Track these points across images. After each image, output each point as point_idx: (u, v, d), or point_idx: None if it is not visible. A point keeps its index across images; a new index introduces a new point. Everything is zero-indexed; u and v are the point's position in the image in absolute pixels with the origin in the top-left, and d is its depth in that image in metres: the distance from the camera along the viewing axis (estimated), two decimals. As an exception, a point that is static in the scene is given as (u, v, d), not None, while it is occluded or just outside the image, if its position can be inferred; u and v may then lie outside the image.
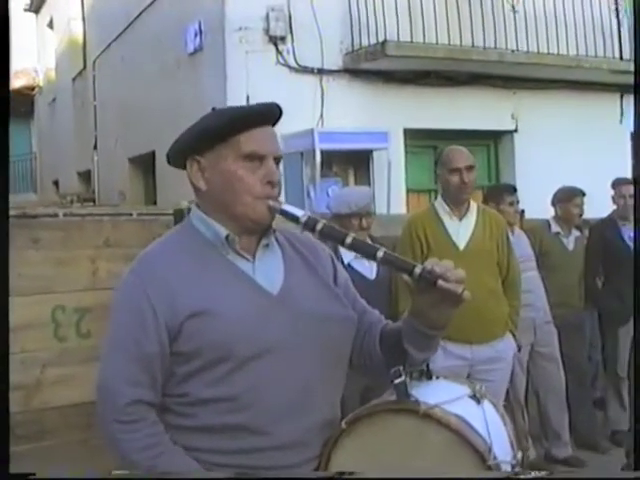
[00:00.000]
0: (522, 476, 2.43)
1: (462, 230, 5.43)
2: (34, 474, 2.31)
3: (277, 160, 2.49)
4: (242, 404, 2.35)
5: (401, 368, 2.38)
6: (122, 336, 2.39)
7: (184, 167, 2.51)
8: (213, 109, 2.53)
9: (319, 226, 2.33)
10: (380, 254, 2.25)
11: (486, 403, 2.49)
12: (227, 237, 2.44)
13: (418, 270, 2.21)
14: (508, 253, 5.64)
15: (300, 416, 2.40)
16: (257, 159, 2.42)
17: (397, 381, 2.36)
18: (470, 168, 5.41)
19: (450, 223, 5.44)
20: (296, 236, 2.66)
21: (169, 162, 2.60)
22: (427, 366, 2.57)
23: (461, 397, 2.46)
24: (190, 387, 2.37)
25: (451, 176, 5.38)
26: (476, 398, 2.47)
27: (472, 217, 5.49)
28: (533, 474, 2.46)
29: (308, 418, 2.42)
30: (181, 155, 2.51)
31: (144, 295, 2.35)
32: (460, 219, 5.45)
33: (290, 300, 2.45)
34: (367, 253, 2.32)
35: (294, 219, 2.37)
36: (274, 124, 2.54)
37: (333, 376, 2.53)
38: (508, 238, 5.74)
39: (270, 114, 2.52)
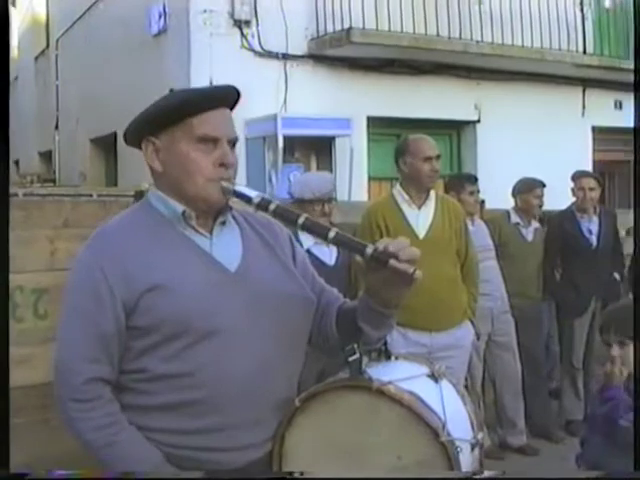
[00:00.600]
0: (477, 476, 2.45)
1: (421, 218, 5.46)
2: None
3: (232, 143, 2.48)
4: (198, 381, 2.35)
5: (355, 346, 2.41)
6: (77, 313, 2.38)
7: (140, 147, 2.50)
8: (171, 90, 2.52)
9: (272, 206, 2.34)
10: (332, 234, 2.26)
11: (444, 383, 2.51)
12: (184, 213, 2.44)
13: (369, 250, 2.21)
14: (466, 241, 5.69)
15: (256, 394, 2.41)
16: (210, 141, 2.42)
17: (351, 359, 2.39)
18: (438, 157, 5.48)
19: (410, 212, 5.46)
20: (255, 217, 2.66)
21: (126, 141, 2.59)
22: (385, 346, 2.59)
23: (418, 376, 2.48)
24: (146, 362, 2.36)
25: (423, 165, 5.40)
26: (434, 377, 2.50)
27: (431, 205, 5.51)
28: (487, 474, 2.49)
29: (264, 397, 2.43)
30: (137, 135, 2.50)
31: (100, 271, 2.35)
32: (419, 207, 5.47)
33: (248, 278, 2.46)
34: (319, 234, 2.33)
35: (247, 200, 2.38)
36: (232, 107, 2.54)
37: (290, 355, 2.53)
38: (466, 226, 5.78)
39: (225, 97, 2.52)
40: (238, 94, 2.54)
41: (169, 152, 2.44)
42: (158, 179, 2.52)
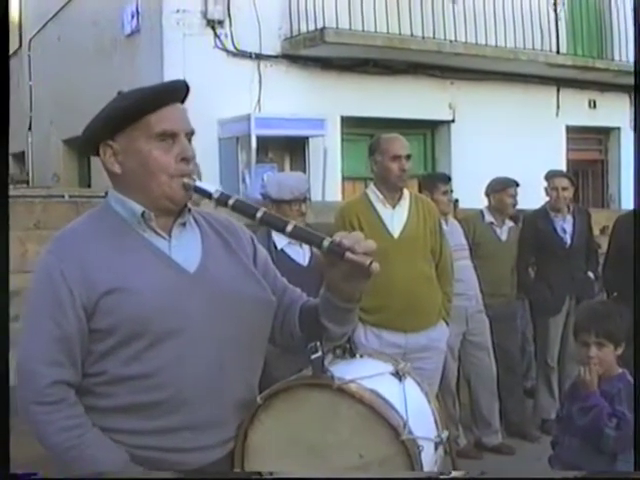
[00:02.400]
0: (443, 476, 2.45)
1: (396, 218, 5.45)
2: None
3: (189, 136, 2.48)
4: (157, 382, 2.35)
5: (318, 344, 2.40)
6: (39, 316, 2.38)
7: (97, 154, 2.49)
8: (119, 93, 2.51)
9: (231, 201, 2.34)
10: (289, 228, 2.27)
11: (408, 381, 2.50)
12: (143, 214, 2.43)
13: (326, 243, 2.22)
14: (440, 239, 5.67)
15: (216, 395, 2.42)
16: (169, 137, 2.41)
17: (314, 356, 2.39)
18: (408, 157, 5.47)
19: (384, 211, 5.45)
20: (216, 218, 2.67)
21: (82, 152, 2.58)
22: (350, 343, 2.59)
23: (382, 374, 2.48)
24: (107, 365, 2.36)
25: (392, 164, 5.40)
26: (398, 375, 2.49)
27: (405, 205, 5.51)
28: (454, 474, 2.48)
29: (223, 398, 2.43)
30: (93, 142, 2.49)
31: (60, 274, 2.34)
32: (393, 207, 5.47)
33: (207, 279, 2.46)
34: (277, 227, 2.34)
35: (207, 195, 2.39)
36: (183, 101, 2.53)
37: (249, 356, 2.54)
38: (440, 225, 5.77)
39: (177, 91, 2.51)
40: (187, 88, 2.53)
41: (128, 153, 2.43)
42: (117, 182, 2.50)
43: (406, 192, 5.56)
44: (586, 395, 3.84)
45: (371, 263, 2.19)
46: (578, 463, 3.78)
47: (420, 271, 5.43)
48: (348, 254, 2.19)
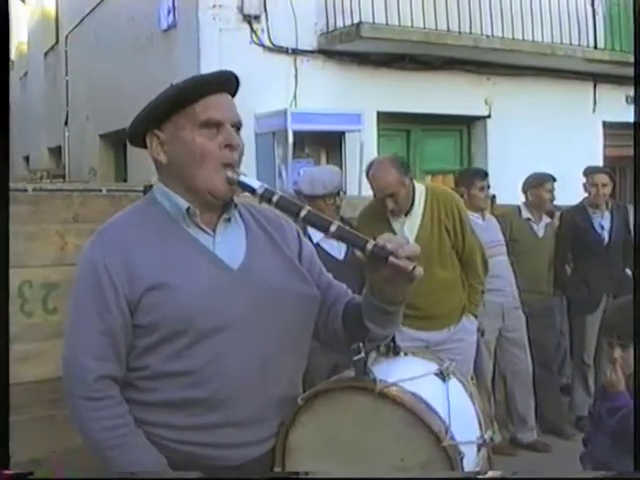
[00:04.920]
0: (481, 476, 2.43)
1: (407, 226, 5.40)
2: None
3: (236, 127, 2.46)
4: (200, 379, 2.35)
5: (360, 345, 2.36)
6: (85, 310, 2.37)
7: (145, 146, 2.49)
8: (171, 85, 2.50)
9: (275, 198, 2.31)
10: (333, 228, 2.24)
11: (453, 381, 2.48)
12: (188, 209, 2.42)
13: (369, 246, 2.20)
14: (463, 232, 5.59)
15: (258, 392, 2.41)
16: (214, 126, 2.40)
17: (356, 358, 2.35)
18: (392, 195, 5.38)
19: (396, 220, 5.41)
20: (262, 212, 2.64)
21: (131, 142, 2.57)
22: (394, 342, 2.56)
23: (425, 375, 2.45)
24: (149, 360, 2.36)
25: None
26: (442, 376, 2.46)
27: (419, 209, 5.44)
28: (490, 474, 2.46)
29: (266, 394, 2.42)
30: (140, 131, 2.49)
31: (104, 268, 2.34)
32: (405, 215, 5.42)
33: (251, 275, 2.44)
34: (321, 227, 2.29)
35: (251, 190, 2.36)
36: (233, 94, 2.52)
37: (292, 353, 2.52)
38: (462, 217, 5.63)
39: (224, 81, 2.50)
40: (237, 80, 2.52)
41: (174, 142, 2.42)
42: (163, 172, 2.50)
43: (419, 192, 5.50)
44: (614, 395, 3.81)
45: (414, 268, 2.17)
46: (608, 462, 3.76)
47: (436, 279, 5.36)
48: (391, 258, 2.17)
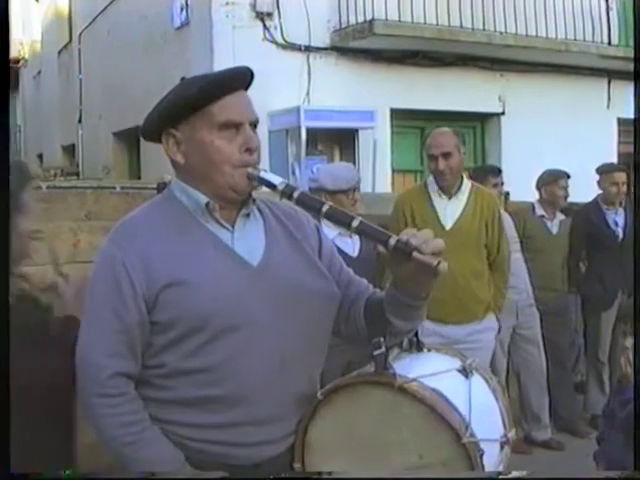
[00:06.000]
0: (502, 477, 2.41)
1: (450, 209, 5.39)
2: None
3: (253, 125, 2.42)
4: (218, 377, 2.32)
5: (381, 339, 2.34)
6: (100, 307, 2.34)
7: (159, 141, 2.45)
8: (182, 79, 2.47)
9: (296, 194, 2.29)
10: (355, 223, 2.20)
11: (475, 377, 2.45)
12: (207, 204, 2.39)
13: (393, 241, 2.15)
14: (499, 235, 5.57)
15: (276, 390, 2.38)
16: (233, 127, 2.36)
17: (376, 352, 2.33)
18: (446, 155, 5.33)
19: (439, 201, 5.40)
20: (281, 208, 2.61)
21: (144, 138, 2.54)
22: (417, 337, 2.54)
23: (447, 371, 2.42)
24: (166, 358, 2.34)
25: (430, 163, 5.39)
26: (465, 372, 2.43)
27: (463, 197, 5.43)
28: (514, 474, 2.44)
29: (284, 392, 2.40)
30: (155, 130, 2.45)
31: (121, 264, 2.31)
32: (450, 198, 5.41)
33: (270, 273, 2.42)
34: (342, 222, 2.26)
35: (271, 186, 2.33)
36: (246, 88, 2.47)
37: (311, 351, 2.50)
38: (500, 219, 5.63)
39: (241, 78, 2.45)
40: (252, 74, 2.47)
41: (191, 143, 2.38)
42: (181, 171, 2.46)
43: (467, 183, 5.50)
44: (626, 388, 3.79)
45: (439, 263, 2.12)
46: (621, 459, 3.73)
47: (469, 265, 5.35)
48: (415, 254, 2.13)
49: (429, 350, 2.57)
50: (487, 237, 5.48)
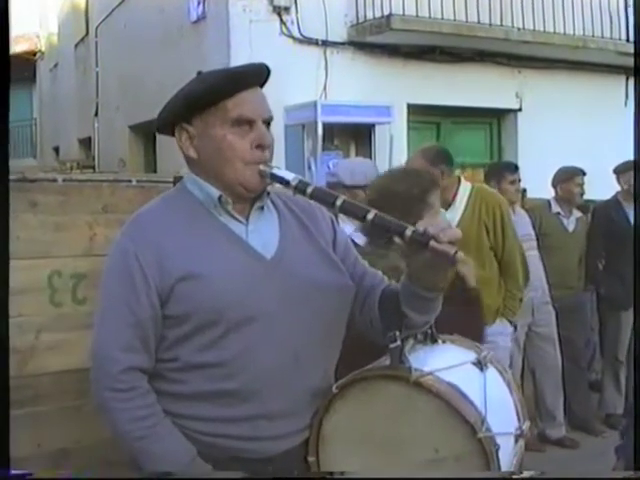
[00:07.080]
0: (515, 476, 2.40)
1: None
2: (30, 473, 2.29)
3: (267, 122, 2.42)
4: (232, 370, 2.32)
5: (397, 333, 2.34)
6: (114, 301, 2.35)
7: (174, 135, 2.45)
8: (199, 73, 2.46)
9: (309, 189, 2.28)
10: (370, 216, 2.20)
11: (490, 370, 2.44)
12: (220, 198, 2.39)
13: (409, 232, 2.15)
14: (503, 235, 5.52)
15: (290, 384, 2.37)
16: (246, 123, 2.35)
17: (392, 346, 2.33)
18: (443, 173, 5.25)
19: None
20: (295, 201, 2.60)
21: (158, 131, 2.54)
22: (432, 329, 2.53)
23: (463, 363, 2.42)
24: (180, 352, 2.33)
25: None
26: (480, 365, 2.42)
27: (461, 204, 5.39)
28: (526, 474, 2.43)
29: (298, 386, 2.39)
30: (169, 123, 2.45)
31: (134, 258, 2.31)
32: (446, 209, 5.36)
33: (284, 265, 2.41)
34: (357, 215, 2.25)
35: (284, 183, 2.32)
36: (262, 85, 2.46)
37: (325, 344, 2.49)
38: (504, 220, 5.57)
39: (256, 75, 2.44)
40: (268, 71, 2.47)
41: (203, 138, 2.38)
42: (193, 166, 2.46)
43: (464, 187, 5.45)
44: None
45: (456, 252, 2.14)
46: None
47: None
48: (432, 243, 2.12)
49: (444, 342, 2.56)
50: (489, 240, 5.44)
